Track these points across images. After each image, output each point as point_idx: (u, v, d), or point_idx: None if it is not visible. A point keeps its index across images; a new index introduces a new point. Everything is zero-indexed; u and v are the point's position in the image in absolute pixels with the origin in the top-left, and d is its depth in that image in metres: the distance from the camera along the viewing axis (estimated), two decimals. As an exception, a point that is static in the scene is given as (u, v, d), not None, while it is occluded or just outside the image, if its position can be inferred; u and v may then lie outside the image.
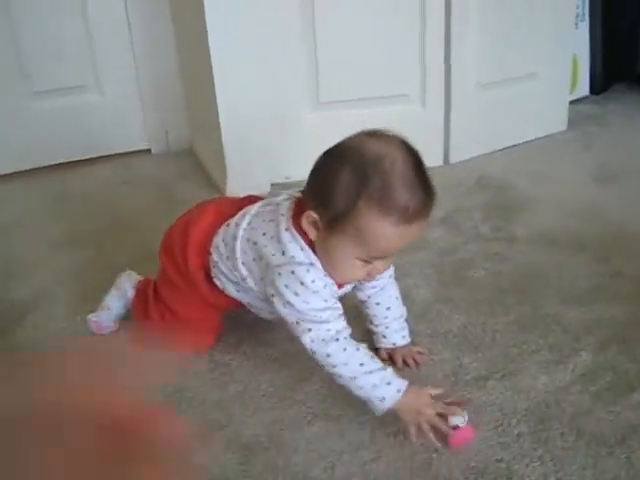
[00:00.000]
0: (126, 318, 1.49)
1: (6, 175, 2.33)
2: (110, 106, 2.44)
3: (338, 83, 2.10)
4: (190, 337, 1.38)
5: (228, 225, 1.30)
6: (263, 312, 1.35)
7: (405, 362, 1.35)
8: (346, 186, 1.08)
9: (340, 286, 1.24)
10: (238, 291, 1.32)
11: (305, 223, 1.15)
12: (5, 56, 2.27)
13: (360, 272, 1.17)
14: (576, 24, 2.56)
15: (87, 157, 2.43)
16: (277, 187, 2.01)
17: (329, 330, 1.18)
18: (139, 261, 1.64)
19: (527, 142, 2.38)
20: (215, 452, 1.18)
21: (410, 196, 1.06)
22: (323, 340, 1.17)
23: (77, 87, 2.40)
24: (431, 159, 2.16)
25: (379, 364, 1.18)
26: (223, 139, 2.06)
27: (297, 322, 1.19)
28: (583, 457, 1.13)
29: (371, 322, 1.38)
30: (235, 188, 2.02)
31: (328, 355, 1.17)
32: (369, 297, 1.36)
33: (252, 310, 1.37)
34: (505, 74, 2.27)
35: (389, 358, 1.36)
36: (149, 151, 2.54)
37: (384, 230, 1.08)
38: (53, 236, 1.92)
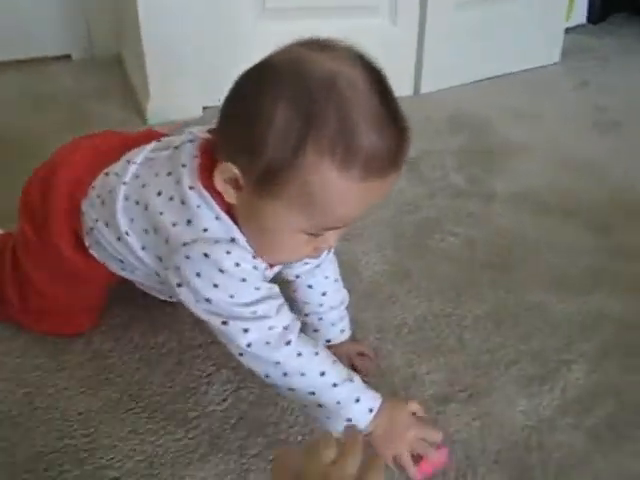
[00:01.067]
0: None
1: None
2: (24, 4, 2.02)
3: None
4: (59, 318, 1.03)
5: (107, 175, 0.93)
6: (164, 295, 1.00)
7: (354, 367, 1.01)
8: (284, 126, 0.71)
9: (271, 266, 0.89)
10: (124, 269, 0.95)
11: (219, 181, 0.78)
12: None
13: (305, 249, 0.82)
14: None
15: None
16: (211, 111, 1.63)
17: (273, 328, 0.83)
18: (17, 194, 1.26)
19: (512, 74, 2.03)
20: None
21: (378, 137, 0.71)
22: (267, 344, 0.83)
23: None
24: (398, 88, 1.83)
25: (345, 372, 0.86)
26: (144, 48, 1.68)
27: (224, 322, 0.83)
28: (575, 536, 0.80)
29: (300, 311, 1.03)
30: (158, 110, 1.69)
31: (277, 363, 0.83)
32: (298, 277, 1.02)
33: (147, 291, 1.01)
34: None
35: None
36: (69, 57, 2.15)
37: (343, 190, 0.73)
38: None
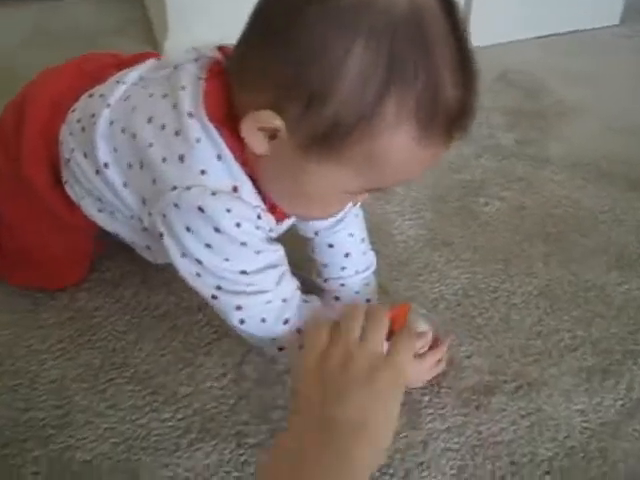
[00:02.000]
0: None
1: None
2: None
3: None
4: (39, 268, 0.88)
5: (91, 96, 0.76)
6: (154, 257, 0.84)
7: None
8: (362, 71, 0.56)
9: (281, 218, 0.74)
10: (101, 211, 0.79)
11: (251, 129, 0.61)
12: None
13: (338, 207, 0.71)
14: None
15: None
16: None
17: (270, 303, 0.70)
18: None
19: (568, 34, 1.82)
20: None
21: (460, 92, 0.58)
22: (263, 321, 0.71)
23: None
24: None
25: None
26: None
27: (214, 297, 0.70)
28: None
29: (319, 274, 0.88)
30: (176, 48, 1.49)
31: (273, 340, 0.73)
32: (317, 234, 0.86)
33: (129, 244, 0.85)
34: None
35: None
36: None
37: (420, 154, 0.60)
38: None
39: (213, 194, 0.64)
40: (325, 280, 0.87)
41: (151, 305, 0.90)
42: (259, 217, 0.67)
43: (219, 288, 0.68)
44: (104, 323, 0.88)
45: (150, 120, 0.68)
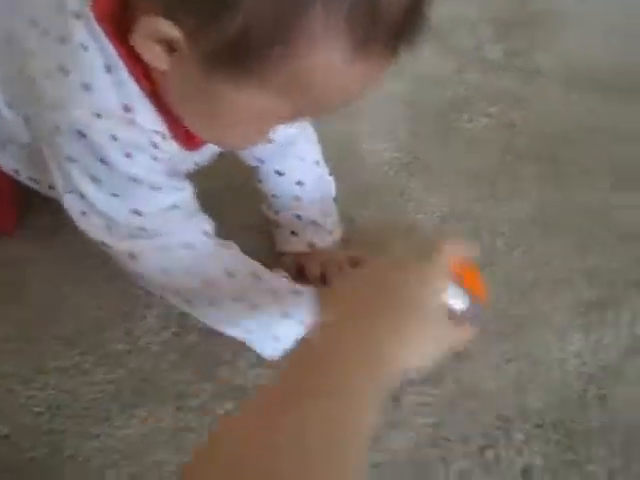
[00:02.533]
0: None
1: None
2: None
3: None
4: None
5: None
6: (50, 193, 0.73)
7: (325, 280, 0.75)
8: None
9: (193, 145, 0.63)
10: None
11: (143, 39, 0.51)
12: None
13: (260, 135, 0.60)
14: None
15: None
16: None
17: (168, 250, 0.63)
18: None
19: None
20: None
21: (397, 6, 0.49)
22: (164, 272, 0.63)
23: None
24: None
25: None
26: None
27: (103, 244, 0.63)
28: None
29: (269, 207, 0.78)
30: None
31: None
32: (263, 162, 0.76)
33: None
34: None
35: (298, 271, 0.77)
36: None
37: (355, 70, 0.50)
38: None
39: (97, 116, 0.53)
40: (277, 212, 0.77)
41: (88, 254, 0.79)
42: (155, 146, 0.56)
43: (109, 229, 0.58)
44: (35, 275, 0.78)
45: (33, 23, 0.57)
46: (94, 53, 0.53)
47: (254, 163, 0.75)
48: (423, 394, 0.66)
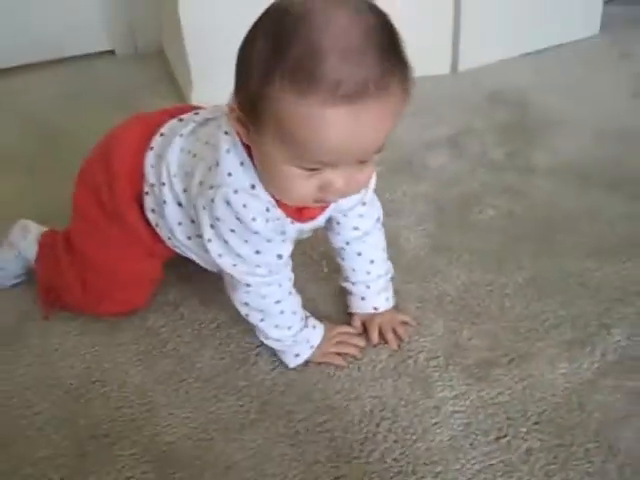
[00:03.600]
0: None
1: None
2: (67, 2, 2.07)
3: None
4: (117, 296, 1.08)
5: (162, 135, 0.98)
6: (200, 259, 1.04)
7: (383, 336, 1.04)
8: (256, 61, 0.73)
9: (309, 217, 0.93)
10: (169, 229, 1.01)
11: (231, 120, 0.82)
12: None
13: (307, 187, 0.80)
14: None
15: (39, 60, 2.08)
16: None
17: (270, 285, 0.95)
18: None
19: (552, 48, 2.01)
20: (126, 463, 0.89)
21: (347, 66, 0.70)
22: (263, 297, 0.96)
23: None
24: (435, 65, 1.82)
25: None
26: (186, 40, 1.72)
27: (231, 275, 0.94)
28: (615, 488, 0.82)
29: (347, 278, 1.08)
30: (201, 98, 1.69)
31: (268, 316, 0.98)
32: (348, 244, 1.05)
33: (192, 258, 1.05)
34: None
35: (363, 328, 1.06)
36: (112, 53, 2.18)
37: (311, 115, 0.71)
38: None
39: (235, 192, 0.85)
40: (353, 283, 1.06)
41: (208, 320, 1.10)
42: (267, 210, 0.87)
43: (235, 266, 0.90)
44: (171, 337, 1.08)
45: (206, 143, 0.91)
46: (233, 154, 0.85)
47: (342, 245, 1.04)
48: (456, 405, 0.95)
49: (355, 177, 0.80)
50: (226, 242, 0.89)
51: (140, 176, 0.98)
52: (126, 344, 1.07)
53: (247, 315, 0.98)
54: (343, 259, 1.07)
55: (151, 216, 1.00)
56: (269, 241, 0.89)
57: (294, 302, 0.99)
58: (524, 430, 0.90)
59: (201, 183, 0.89)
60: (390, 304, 1.08)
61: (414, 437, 0.90)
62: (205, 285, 1.14)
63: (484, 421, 0.92)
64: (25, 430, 0.95)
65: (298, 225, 0.93)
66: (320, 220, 0.96)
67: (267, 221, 0.87)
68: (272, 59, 0.71)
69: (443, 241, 1.25)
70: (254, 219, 0.86)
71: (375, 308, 1.06)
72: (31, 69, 2.04)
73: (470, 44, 1.89)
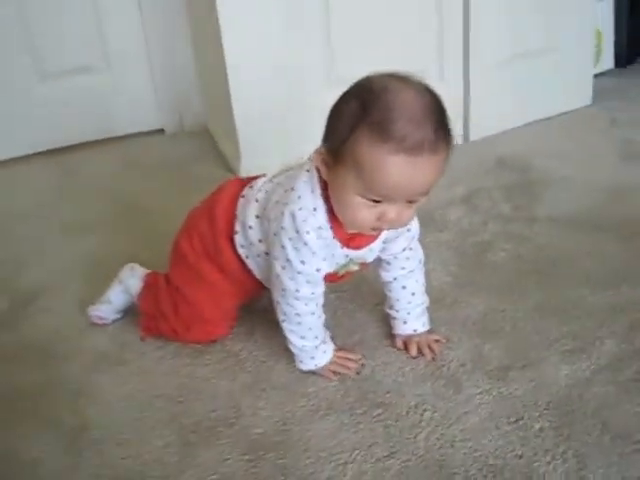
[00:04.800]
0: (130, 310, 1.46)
1: (17, 158, 2.31)
2: (121, 87, 2.41)
3: (354, 59, 2.03)
4: (204, 327, 1.34)
5: (251, 187, 1.28)
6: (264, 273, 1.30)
7: (420, 351, 1.30)
8: (347, 116, 1.02)
9: (357, 246, 1.19)
10: (257, 257, 1.28)
11: (317, 161, 1.10)
12: (14, 37, 2.24)
13: (367, 215, 1.07)
14: (601, -3, 2.47)
15: (99, 138, 2.40)
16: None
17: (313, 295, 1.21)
18: (149, 244, 1.64)
19: (550, 118, 2.31)
20: (224, 449, 1.14)
21: (412, 128, 0.98)
22: (307, 304, 1.22)
23: (87, 67, 2.37)
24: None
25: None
26: (235, 118, 2.01)
27: (284, 287, 1.20)
28: (608, 454, 1.07)
29: (392, 307, 1.33)
30: (249, 168, 1.98)
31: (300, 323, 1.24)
32: (395, 279, 1.30)
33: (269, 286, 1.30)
34: (526, 48, 2.19)
35: (404, 347, 1.32)
36: (162, 131, 2.49)
37: (381, 158, 0.99)
38: (64, 220, 1.90)
39: (300, 209, 1.12)
40: (397, 310, 1.32)
41: (278, 343, 1.35)
42: (320, 228, 1.12)
43: (283, 268, 1.17)
44: (248, 357, 1.34)
45: (286, 191, 1.17)
46: (307, 184, 1.13)
47: (390, 280, 1.30)
48: (481, 399, 1.20)
49: (404, 212, 1.07)
50: (283, 247, 1.15)
51: (233, 217, 1.27)
52: (212, 364, 1.33)
53: (277, 313, 1.25)
54: (390, 291, 1.33)
55: (241, 250, 1.27)
56: (314, 254, 1.15)
57: (312, 321, 1.23)
58: (536, 414, 1.15)
59: (277, 202, 1.18)
60: (426, 327, 1.33)
61: (450, 422, 1.15)
62: (272, 317, 1.39)
63: (504, 409, 1.17)
64: (140, 429, 1.20)
65: (346, 250, 1.18)
66: (365, 252, 1.21)
67: (318, 238, 1.14)
68: (360, 115, 1.00)
69: (464, 278, 1.51)
70: (308, 232, 1.12)
71: (414, 330, 1.32)
72: (95, 145, 2.36)
73: (479, 118, 2.18)
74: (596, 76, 2.46)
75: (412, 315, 1.31)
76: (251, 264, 1.28)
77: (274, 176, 1.26)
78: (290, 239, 1.14)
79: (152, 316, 1.37)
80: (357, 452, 1.11)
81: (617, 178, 1.90)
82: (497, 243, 1.63)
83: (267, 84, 1.96)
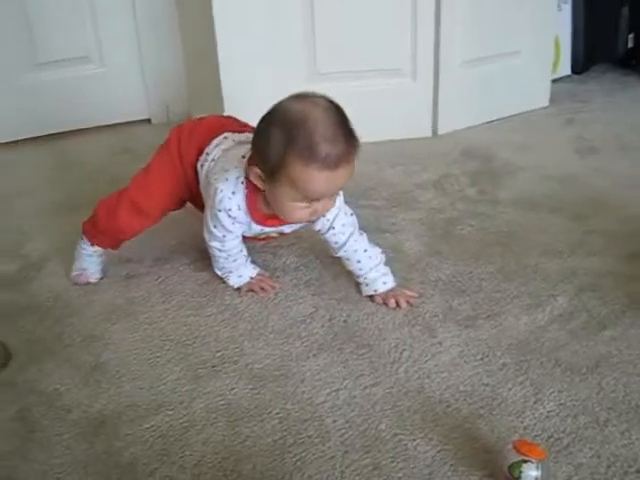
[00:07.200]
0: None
1: (10, 142, 2.44)
2: (112, 78, 2.55)
3: (335, 56, 2.22)
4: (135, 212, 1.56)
5: (208, 154, 1.50)
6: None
7: (397, 303, 1.48)
8: (276, 145, 1.25)
9: (271, 224, 1.46)
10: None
11: (252, 176, 1.33)
12: (11, 27, 2.37)
13: (303, 213, 1.34)
14: (559, 6, 2.68)
15: (89, 126, 2.55)
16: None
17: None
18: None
19: (511, 116, 2.52)
20: (230, 380, 1.30)
21: (330, 147, 1.22)
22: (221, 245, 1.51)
23: (80, 58, 2.50)
24: (420, 130, 2.34)
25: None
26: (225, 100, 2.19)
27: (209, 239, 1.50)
28: (559, 382, 1.26)
29: (353, 274, 1.53)
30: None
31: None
32: (338, 255, 1.51)
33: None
34: (490, 51, 2.40)
35: (382, 302, 1.50)
36: (149, 121, 2.64)
37: (310, 176, 1.24)
38: (55, 200, 2.04)
39: (221, 190, 1.38)
40: (357, 277, 1.52)
41: (271, 298, 1.53)
42: (234, 209, 1.40)
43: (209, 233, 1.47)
44: (246, 309, 1.51)
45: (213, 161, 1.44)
46: (238, 171, 1.39)
47: (335, 254, 1.51)
48: (453, 341, 1.38)
49: (328, 203, 1.35)
50: (208, 207, 1.44)
51: (201, 151, 1.51)
52: (214, 315, 1.49)
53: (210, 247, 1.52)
54: (345, 265, 1.53)
55: (198, 165, 1.51)
56: (222, 226, 1.43)
57: (223, 259, 1.53)
58: (499, 353, 1.34)
59: (214, 173, 1.43)
60: (388, 286, 1.50)
61: (426, 359, 1.33)
62: (267, 271, 1.57)
63: (472, 349, 1.35)
64: (153, 366, 1.36)
65: (261, 226, 1.45)
66: (279, 228, 1.49)
67: (228, 217, 1.41)
68: (287, 144, 1.23)
69: (434, 248, 1.70)
70: (220, 210, 1.40)
71: (375, 290, 1.50)
72: (86, 132, 2.50)
73: (446, 114, 2.39)
74: (554, 81, 2.69)
75: (369, 278, 1.50)
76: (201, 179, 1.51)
77: (227, 147, 1.48)
78: (210, 206, 1.43)
79: (90, 219, 1.60)
80: (347, 381, 1.29)
81: (569, 168, 2.11)
82: (464, 219, 1.82)
83: (254, 79, 2.15)
